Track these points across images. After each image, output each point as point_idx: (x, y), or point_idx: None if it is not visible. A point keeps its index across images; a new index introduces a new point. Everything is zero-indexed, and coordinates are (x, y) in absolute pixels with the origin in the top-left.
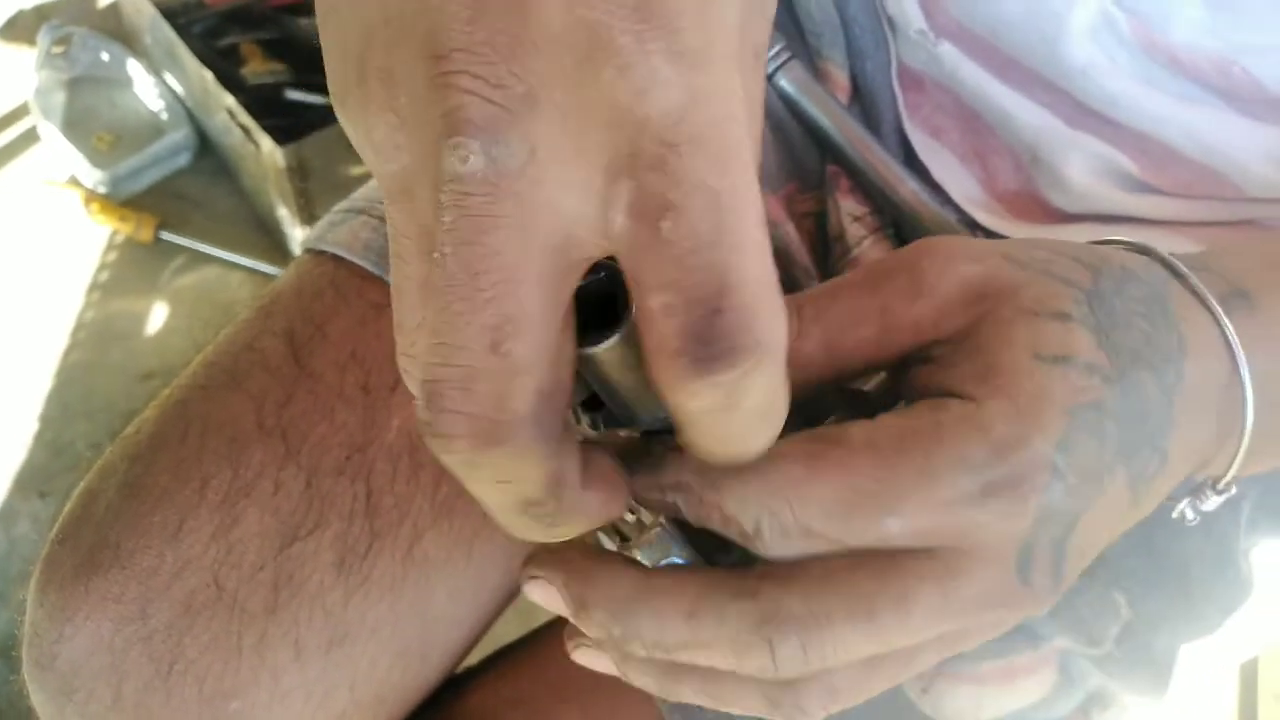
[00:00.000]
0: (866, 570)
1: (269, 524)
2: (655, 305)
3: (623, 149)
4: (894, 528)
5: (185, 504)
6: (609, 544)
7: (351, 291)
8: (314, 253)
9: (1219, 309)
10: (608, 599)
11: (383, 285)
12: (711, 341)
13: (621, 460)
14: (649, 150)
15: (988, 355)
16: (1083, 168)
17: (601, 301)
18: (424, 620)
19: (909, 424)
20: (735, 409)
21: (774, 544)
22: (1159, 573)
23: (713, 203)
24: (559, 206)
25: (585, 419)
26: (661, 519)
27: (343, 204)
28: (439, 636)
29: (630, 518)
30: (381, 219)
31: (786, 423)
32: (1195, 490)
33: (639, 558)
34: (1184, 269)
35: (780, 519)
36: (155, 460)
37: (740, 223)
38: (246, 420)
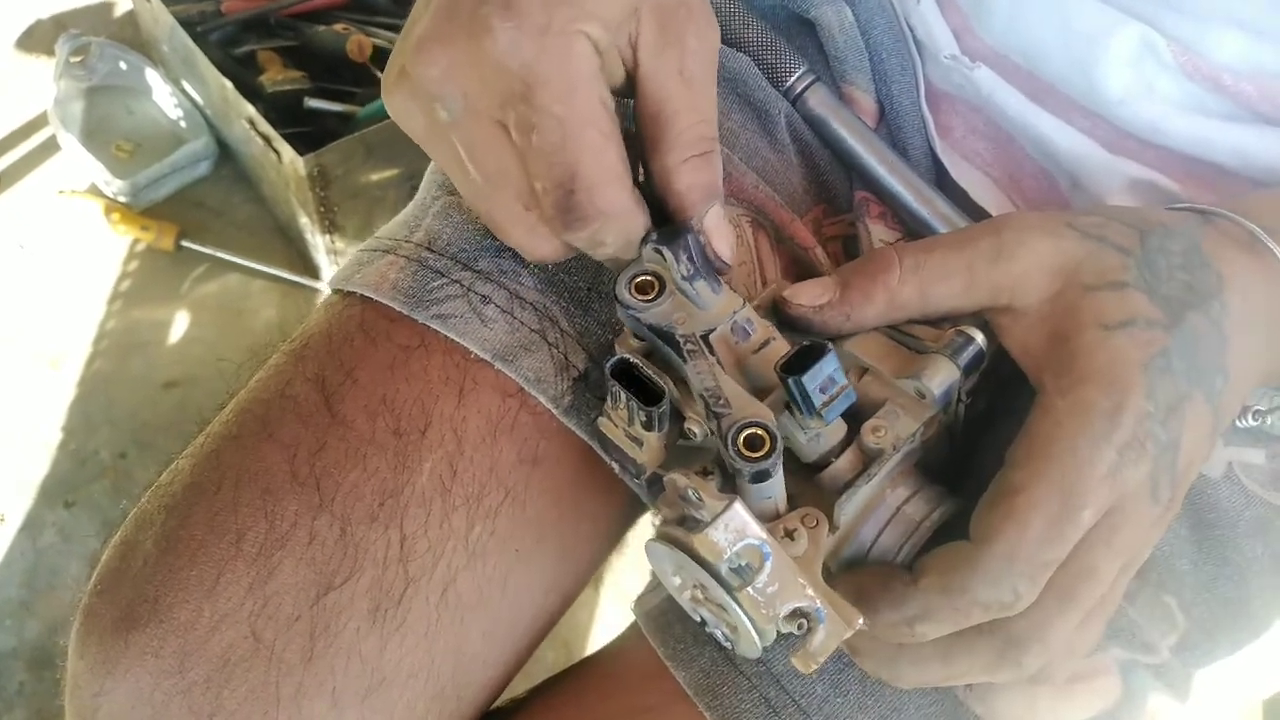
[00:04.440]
0: (1058, 569)
1: (304, 575)
2: (537, 188)
3: (506, 89)
4: (1088, 517)
5: (222, 557)
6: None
7: (380, 334)
8: (342, 293)
9: (1261, 233)
10: (877, 657)
11: (411, 326)
12: (569, 210)
13: (862, 598)
14: (517, 89)
15: (1069, 342)
16: (1124, 192)
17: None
18: (459, 662)
19: (1042, 442)
20: (602, 246)
21: (1030, 596)
22: (1213, 580)
23: (558, 123)
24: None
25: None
26: (736, 501)
27: (369, 242)
28: (474, 677)
29: (697, 499)
30: (408, 258)
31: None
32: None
33: (715, 538)
34: (1215, 214)
35: (1026, 574)
36: (191, 513)
37: (581, 135)
38: (280, 471)
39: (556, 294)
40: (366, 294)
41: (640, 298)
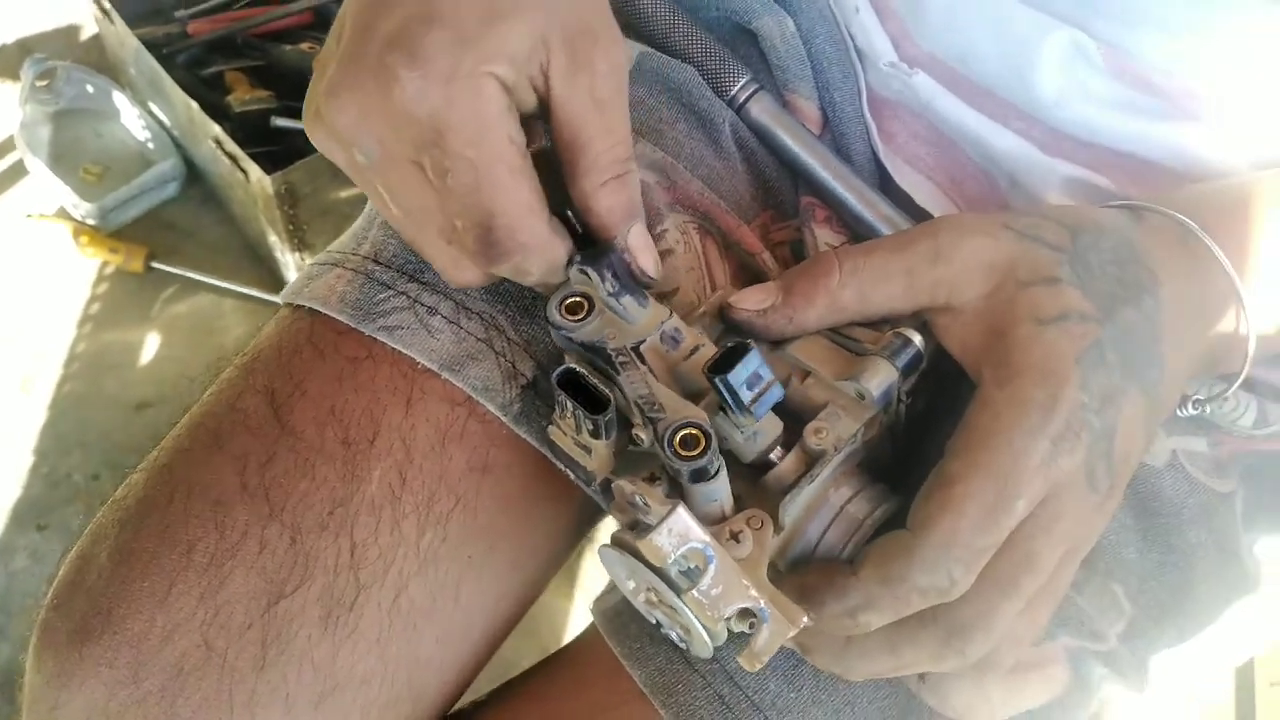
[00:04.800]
0: (997, 556)
1: (255, 583)
2: (457, 225)
3: (418, 135)
4: (1022, 506)
5: (173, 568)
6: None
7: (328, 346)
8: (292, 306)
9: (1193, 226)
10: (826, 651)
11: (358, 338)
12: (490, 246)
13: (807, 593)
14: (428, 136)
15: (1005, 337)
16: (1061, 191)
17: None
18: (414, 667)
19: (979, 434)
20: (529, 275)
21: (966, 582)
22: (1159, 567)
23: (471, 165)
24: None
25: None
26: (679, 506)
27: (320, 256)
28: (429, 682)
29: (643, 505)
30: (355, 270)
31: (881, 467)
32: (1211, 395)
33: (659, 543)
34: (1147, 209)
35: (962, 561)
36: (143, 525)
37: (494, 175)
38: (230, 482)
39: (503, 303)
40: (315, 307)
41: (571, 318)
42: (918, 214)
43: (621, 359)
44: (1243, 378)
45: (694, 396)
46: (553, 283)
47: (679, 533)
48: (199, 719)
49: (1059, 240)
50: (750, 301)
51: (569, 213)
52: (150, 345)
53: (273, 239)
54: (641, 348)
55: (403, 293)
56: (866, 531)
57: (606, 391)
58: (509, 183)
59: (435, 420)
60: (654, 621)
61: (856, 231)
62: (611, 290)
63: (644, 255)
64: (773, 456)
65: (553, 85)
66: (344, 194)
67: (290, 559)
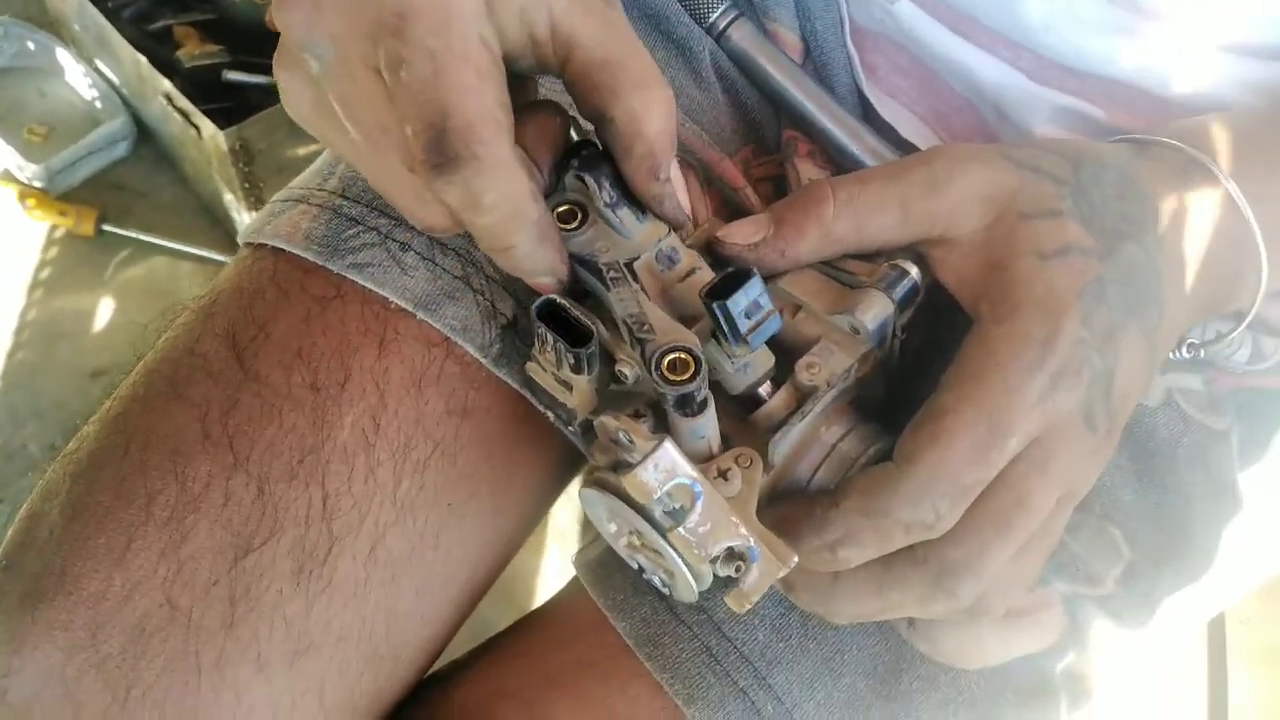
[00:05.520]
0: (989, 496)
1: (220, 537)
2: (408, 132)
3: (376, 19)
4: (1014, 444)
5: (131, 523)
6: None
7: (294, 286)
8: (253, 246)
9: (1202, 157)
10: (810, 590)
11: (326, 276)
12: (441, 152)
13: (786, 525)
14: (388, 21)
15: (1004, 271)
16: (1049, 122)
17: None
18: (393, 621)
19: (974, 368)
20: (480, 206)
21: (951, 517)
22: (1157, 508)
23: (430, 56)
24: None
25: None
26: (666, 439)
27: (281, 193)
28: (410, 636)
29: (628, 442)
30: (322, 205)
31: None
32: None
33: (644, 478)
34: (1151, 142)
35: (948, 495)
36: (97, 479)
37: (455, 71)
38: (190, 430)
39: None
40: (278, 245)
41: (563, 226)
42: (903, 147)
43: (613, 274)
44: (1250, 317)
45: (686, 321)
46: (513, 242)
47: (665, 468)
48: (164, 682)
49: (1060, 172)
50: (740, 234)
51: (579, 149)
52: (104, 311)
53: (228, 198)
54: (635, 264)
55: (373, 228)
56: (859, 470)
57: (589, 324)
58: (473, 83)
59: (410, 362)
60: (636, 567)
61: (841, 165)
62: (609, 200)
63: (682, 191)
64: (761, 392)
65: (568, 16)
66: (301, 150)
67: (258, 511)
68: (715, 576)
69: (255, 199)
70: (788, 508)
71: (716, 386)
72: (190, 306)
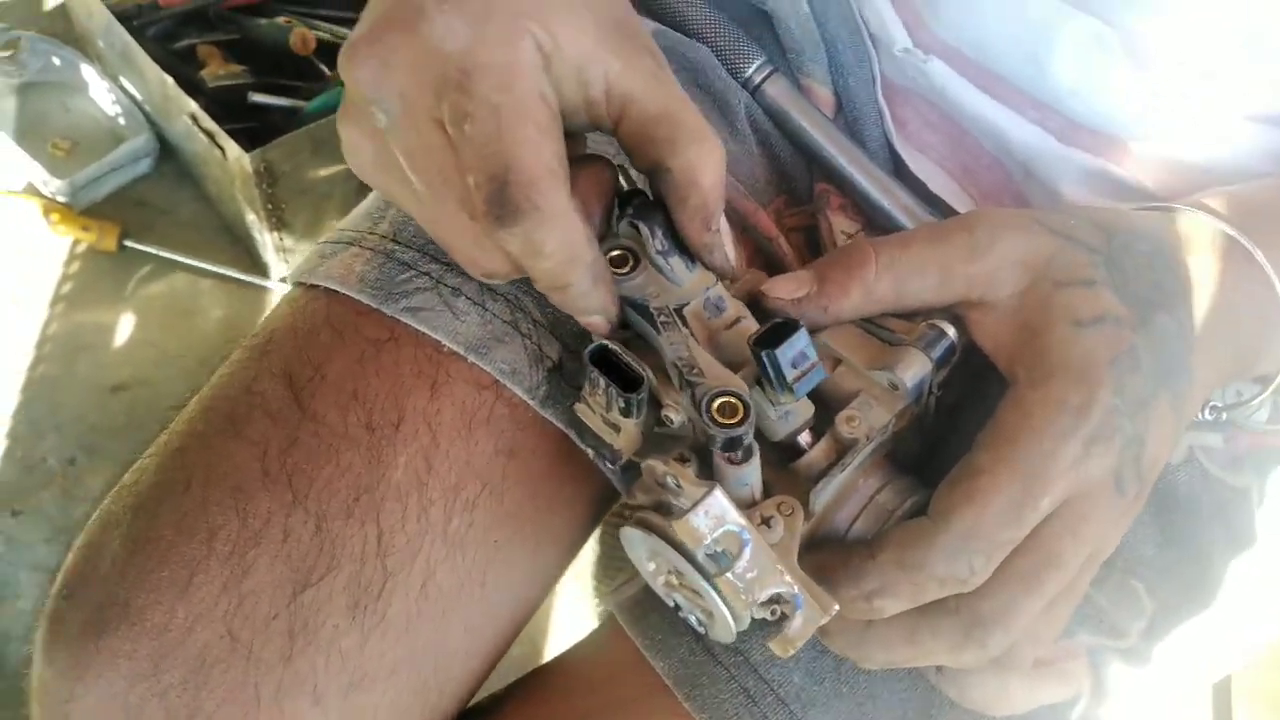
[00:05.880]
0: (1020, 553)
1: (280, 572)
2: (470, 183)
3: (441, 76)
4: (1046, 504)
5: (193, 557)
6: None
7: (348, 328)
8: (305, 286)
9: (1232, 231)
10: (844, 635)
11: (380, 319)
12: (502, 204)
13: (823, 574)
14: (453, 76)
15: (1040, 337)
16: (1076, 183)
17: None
18: (440, 656)
19: (1009, 431)
20: (541, 255)
21: (984, 573)
22: (1178, 563)
23: (494, 111)
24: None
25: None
26: (716, 487)
27: (331, 235)
28: (455, 671)
29: (675, 486)
30: (374, 249)
31: (911, 459)
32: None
33: (695, 524)
34: (1180, 211)
35: (982, 552)
36: (159, 513)
37: (518, 126)
38: (251, 468)
39: (528, 284)
40: (332, 287)
41: (615, 271)
42: (932, 202)
43: (664, 319)
44: (1277, 383)
45: (731, 368)
46: (569, 282)
47: (715, 515)
48: (224, 712)
49: (1094, 240)
50: (785, 290)
51: (629, 198)
52: (124, 326)
53: (250, 218)
54: (684, 310)
55: (425, 273)
56: (896, 523)
57: (640, 370)
58: (533, 138)
59: (461, 404)
60: (672, 604)
61: (873, 219)
62: (660, 249)
63: (729, 243)
64: (801, 440)
65: (624, 78)
66: (323, 173)
67: (315, 547)
68: (751, 619)
69: (277, 220)
70: (825, 556)
71: (757, 434)
72: (244, 344)
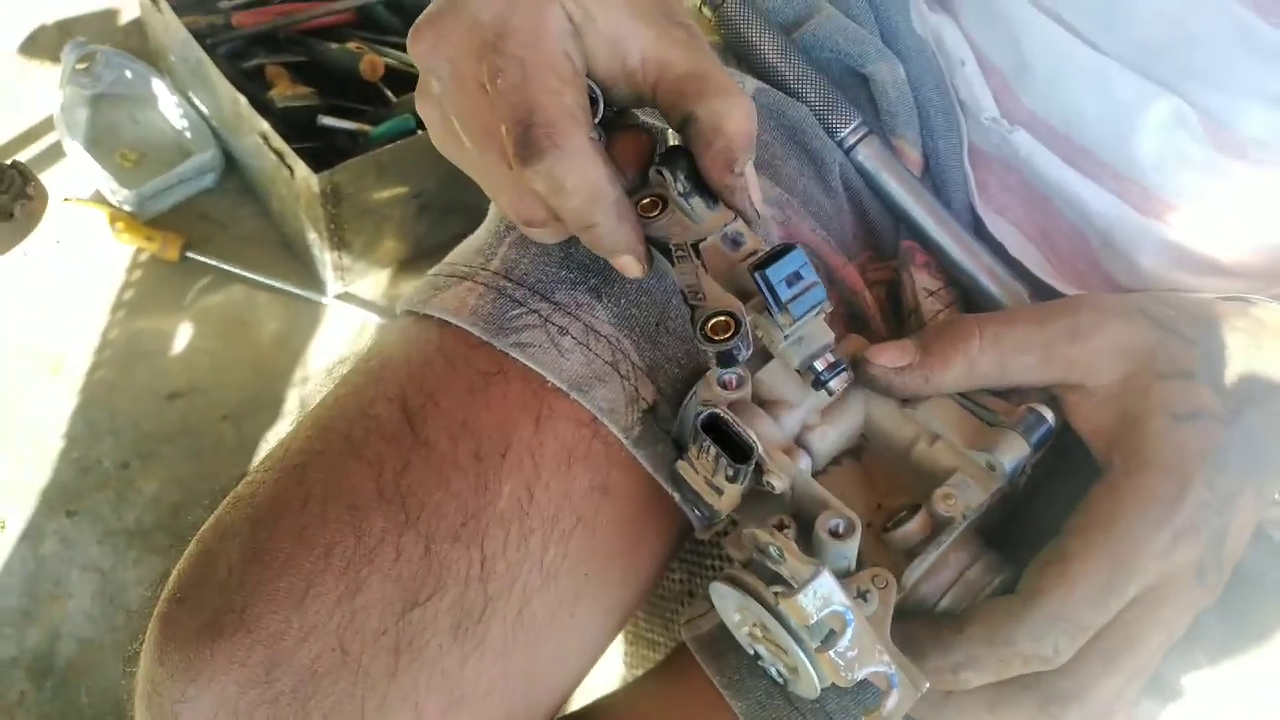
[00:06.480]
0: (1102, 634)
1: (391, 590)
2: (502, 131)
3: (480, 41)
4: (1132, 591)
5: (310, 570)
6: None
7: (460, 359)
8: (417, 315)
9: None
10: (925, 703)
11: (490, 353)
12: (527, 144)
13: (911, 644)
14: (489, 39)
15: (1138, 427)
16: (1155, 254)
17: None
18: (530, 681)
19: (1102, 517)
20: (564, 191)
21: (1068, 653)
22: (1235, 632)
23: (520, 65)
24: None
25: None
26: (824, 569)
27: (441, 267)
28: (543, 697)
29: (778, 556)
30: (487, 285)
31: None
32: None
33: (804, 605)
34: (1263, 306)
35: (1068, 633)
36: (278, 525)
37: (541, 76)
38: (366, 487)
39: (628, 328)
40: (446, 318)
41: (646, 216)
42: (1011, 264)
43: (679, 253)
44: None
45: (745, 297)
46: (595, 221)
47: (823, 596)
48: None
49: (1193, 333)
50: (886, 358)
51: (665, 156)
52: (183, 335)
53: (311, 235)
54: (701, 245)
55: (534, 310)
56: (984, 598)
57: (751, 439)
58: (555, 86)
59: (562, 439)
60: (753, 653)
61: (955, 278)
62: (682, 190)
63: (755, 189)
64: (817, 365)
65: (658, 46)
66: (385, 194)
67: (424, 568)
68: None
69: (338, 239)
70: (913, 626)
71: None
72: (358, 366)
